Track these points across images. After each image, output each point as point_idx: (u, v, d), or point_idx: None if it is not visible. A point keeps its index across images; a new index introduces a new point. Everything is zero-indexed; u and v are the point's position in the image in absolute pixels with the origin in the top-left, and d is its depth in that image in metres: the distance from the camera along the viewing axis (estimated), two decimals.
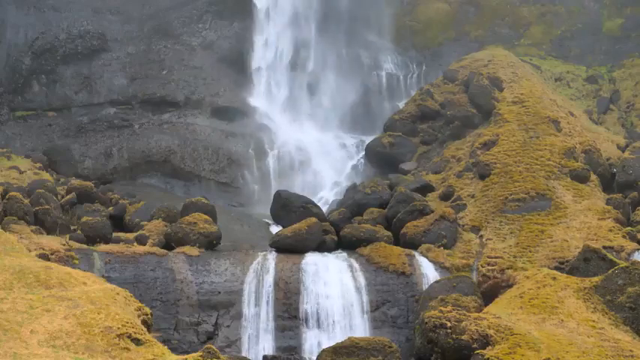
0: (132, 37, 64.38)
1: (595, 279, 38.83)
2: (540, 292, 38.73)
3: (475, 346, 34.39)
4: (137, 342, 30.75)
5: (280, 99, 66.27)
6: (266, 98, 65.59)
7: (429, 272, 43.48)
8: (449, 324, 34.95)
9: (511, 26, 71.33)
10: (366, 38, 70.48)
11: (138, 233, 44.67)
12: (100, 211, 47.20)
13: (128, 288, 37.04)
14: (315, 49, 68.43)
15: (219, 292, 42.08)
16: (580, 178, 49.82)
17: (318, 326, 41.51)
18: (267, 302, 41.86)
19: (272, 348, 41.22)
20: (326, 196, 58.15)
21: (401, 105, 63.21)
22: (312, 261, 43.35)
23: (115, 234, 44.51)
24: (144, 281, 41.42)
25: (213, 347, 31.32)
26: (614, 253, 42.92)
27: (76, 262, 40.37)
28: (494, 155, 51.41)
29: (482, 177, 50.59)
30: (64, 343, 29.69)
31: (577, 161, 51.02)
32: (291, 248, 44.27)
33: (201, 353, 30.72)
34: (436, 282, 42.28)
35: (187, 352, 36.89)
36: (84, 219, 44.41)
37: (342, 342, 36.56)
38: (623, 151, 54.73)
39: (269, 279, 42.31)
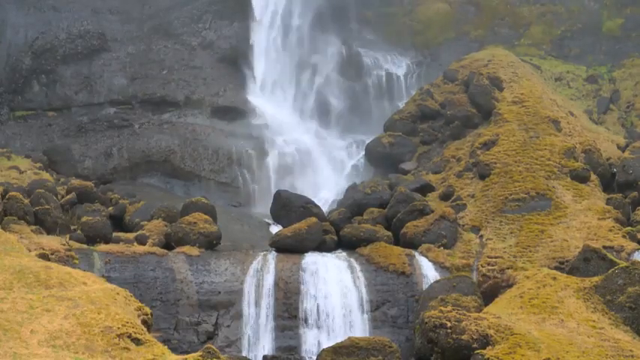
0: (132, 37, 64.36)
1: (595, 279, 38.83)
2: (540, 292, 38.73)
3: (475, 345, 34.39)
4: (137, 342, 30.76)
5: (280, 99, 66.25)
6: (266, 98, 65.57)
7: (429, 272, 43.49)
8: (449, 324, 34.94)
9: (511, 26, 71.32)
10: (366, 37, 70.50)
11: (138, 233, 44.67)
12: (100, 211, 47.20)
13: (128, 288, 37.02)
14: (315, 49, 68.41)
15: (219, 292, 42.09)
16: (580, 178, 49.82)
17: (318, 326, 41.52)
18: (267, 302, 41.89)
19: (272, 348, 41.25)
20: (326, 196, 58.12)
21: (401, 105, 63.17)
22: (312, 261, 43.36)
23: (115, 234, 44.50)
24: (144, 281, 41.43)
25: (213, 347, 31.33)
26: (614, 253, 42.92)
27: (76, 262, 40.38)
28: (494, 155, 51.40)
29: (482, 177, 50.58)
30: (64, 343, 29.69)
31: (577, 161, 51.02)
32: (291, 248, 44.28)
33: (201, 353, 30.72)
34: (436, 282, 42.29)
35: (187, 352, 36.90)
36: (84, 219, 44.42)
37: (342, 342, 36.57)
38: (623, 151, 54.71)
39: (269, 279, 42.33)
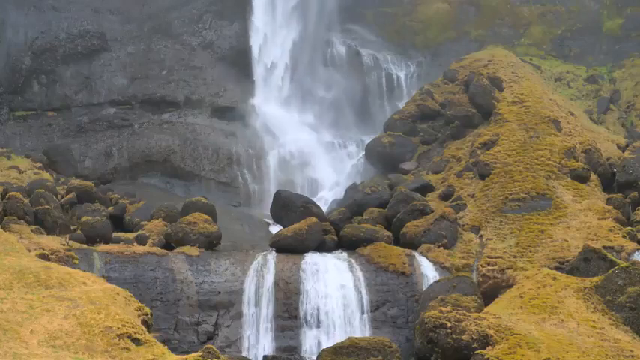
0: (132, 37, 64.40)
1: (595, 279, 38.82)
2: (540, 292, 38.72)
3: (475, 345, 34.38)
4: (137, 342, 30.77)
5: (280, 99, 66.26)
6: (266, 98, 65.60)
7: (429, 272, 43.47)
8: (449, 324, 34.93)
9: (511, 26, 71.33)
10: (366, 37, 70.49)
11: (138, 233, 44.69)
12: (100, 211, 47.21)
13: (128, 288, 37.09)
14: (315, 49, 68.40)
15: (219, 292, 42.08)
16: (580, 178, 49.81)
17: (318, 326, 41.52)
18: (267, 302, 41.88)
19: (272, 348, 41.24)
20: (326, 196, 58.16)
21: (401, 105, 63.17)
22: (312, 261, 43.34)
23: (115, 234, 44.50)
24: (144, 281, 41.42)
25: (213, 347, 31.36)
26: (614, 253, 42.91)
27: (76, 262, 40.38)
28: (494, 155, 51.39)
29: (482, 177, 50.58)
30: (64, 343, 29.69)
31: (577, 161, 51.01)
32: (291, 248, 44.27)
33: (201, 353, 30.74)
34: (436, 282, 42.27)
35: (187, 352, 36.89)
36: (84, 219, 44.42)
37: (342, 342, 36.56)
38: (623, 151, 54.70)
39: (269, 279, 42.32)
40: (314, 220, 45.59)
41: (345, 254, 44.62)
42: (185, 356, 31.19)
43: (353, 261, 43.79)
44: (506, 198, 48.03)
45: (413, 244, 45.47)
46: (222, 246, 44.90)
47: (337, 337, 40.23)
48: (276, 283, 42.18)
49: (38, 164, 55.32)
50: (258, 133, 62.73)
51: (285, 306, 41.80)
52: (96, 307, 31.99)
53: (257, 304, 41.87)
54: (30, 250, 39.08)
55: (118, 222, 47.36)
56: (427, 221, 46.20)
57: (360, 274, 43.00)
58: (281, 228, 47.64)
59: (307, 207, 47.91)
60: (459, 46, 69.54)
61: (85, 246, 42.24)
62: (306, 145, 62.76)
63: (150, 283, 41.44)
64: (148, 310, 34.88)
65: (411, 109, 60.15)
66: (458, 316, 35.37)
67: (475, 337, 34.56)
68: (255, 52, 66.34)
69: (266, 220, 53.73)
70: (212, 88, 63.76)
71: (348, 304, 42.04)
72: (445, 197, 50.36)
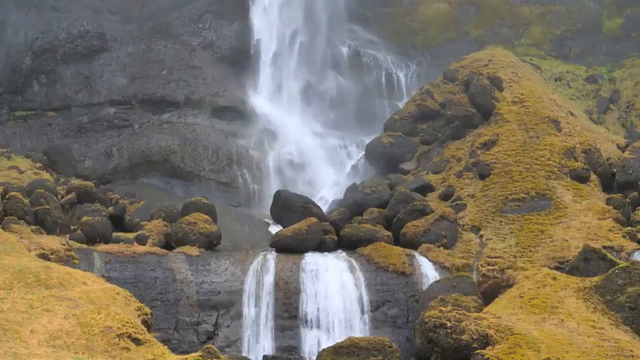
0: (132, 37, 64.42)
1: (595, 279, 38.82)
2: (540, 292, 38.73)
3: (475, 345, 34.37)
4: (137, 342, 30.77)
5: (280, 99, 66.26)
6: (266, 98, 65.59)
7: (429, 272, 43.46)
8: (449, 324, 34.93)
9: (511, 26, 71.34)
10: (366, 37, 70.51)
11: (138, 233, 44.68)
12: (100, 211, 47.20)
13: (128, 288, 37.08)
14: (315, 49, 68.42)
15: (219, 292, 42.08)
16: (580, 178, 49.81)
17: (318, 326, 41.50)
18: (267, 302, 41.87)
19: (272, 348, 41.23)
20: (326, 196, 58.13)
21: (401, 105, 63.17)
22: (312, 261, 43.33)
23: (115, 234, 44.49)
24: (144, 281, 41.42)
25: (213, 347, 31.35)
26: (614, 253, 42.90)
27: (76, 262, 40.38)
28: (494, 155, 51.39)
29: (482, 177, 50.57)
30: (64, 343, 29.69)
31: (577, 161, 51.00)
32: (291, 248, 44.25)
33: (201, 353, 30.74)
34: (436, 282, 42.26)
35: (187, 352, 36.88)
36: (84, 219, 44.41)
37: (342, 342, 36.54)
38: (623, 151, 54.70)
39: (269, 279, 42.31)
40: (314, 220, 45.58)
41: (345, 254, 44.60)
42: (185, 356, 31.19)
43: (353, 261, 43.79)
44: (506, 198, 48.02)
45: (413, 244, 45.47)
46: (222, 246, 44.90)
47: (337, 337, 40.22)
48: (276, 283, 42.18)
49: (38, 164, 55.33)
50: (259, 133, 62.72)
51: (285, 306, 41.80)
52: (96, 307, 31.99)
53: (257, 304, 41.87)
54: (30, 250, 39.08)
55: (118, 222, 47.36)
56: (427, 221, 46.20)
57: (360, 274, 42.99)
58: (281, 228, 47.63)
59: (307, 207, 47.89)
60: (459, 46, 69.55)
61: (85, 246, 42.22)
62: (306, 144, 62.76)
63: (150, 283, 41.44)
64: (148, 310, 34.87)
65: (411, 109, 60.14)
66: (458, 316, 35.37)
67: (475, 337, 34.56)
68: (255, 52, 66.32)
69: (266, 220, 53.72)
70: (212, 88, 63.76)
71: (348, 304, 42.03)
72: (445, 197, 50.35)
